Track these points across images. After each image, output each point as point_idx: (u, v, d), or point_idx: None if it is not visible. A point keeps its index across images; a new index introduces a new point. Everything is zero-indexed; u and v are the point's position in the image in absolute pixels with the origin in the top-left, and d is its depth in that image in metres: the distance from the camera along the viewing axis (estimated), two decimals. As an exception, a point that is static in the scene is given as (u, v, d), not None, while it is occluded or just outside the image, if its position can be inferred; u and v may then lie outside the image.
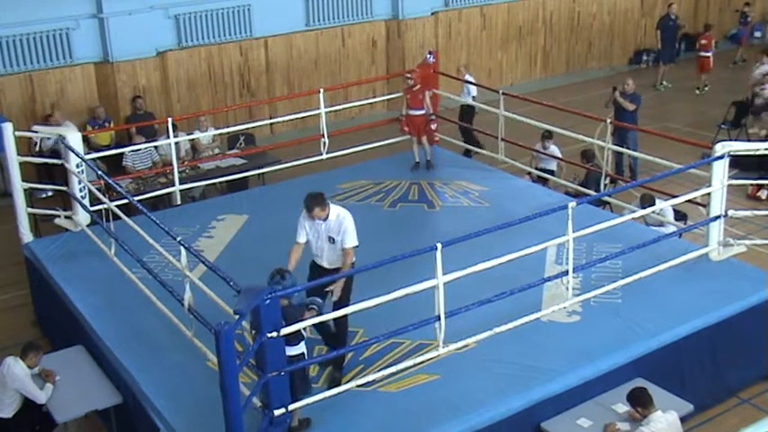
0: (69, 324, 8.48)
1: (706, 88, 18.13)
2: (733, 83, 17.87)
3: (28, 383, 7.16)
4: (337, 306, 6.75)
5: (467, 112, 13.64)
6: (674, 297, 7.95)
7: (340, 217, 7.05)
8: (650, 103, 17.37)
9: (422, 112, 11.41)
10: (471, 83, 13.73)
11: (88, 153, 10.64)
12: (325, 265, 7.12)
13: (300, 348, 6.24)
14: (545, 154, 11.94)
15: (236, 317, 5.73)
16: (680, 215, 10.06)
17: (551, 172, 11.96)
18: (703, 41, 18.05)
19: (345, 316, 6.78)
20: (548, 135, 11.78)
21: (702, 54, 18.12)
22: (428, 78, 11.63)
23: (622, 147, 11.45)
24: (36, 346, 7.41)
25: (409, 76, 11.37)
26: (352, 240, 7.04)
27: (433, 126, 11.57)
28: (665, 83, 18.49)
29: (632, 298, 7.91)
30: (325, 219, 7.02)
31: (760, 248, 9.63)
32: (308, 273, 7.18)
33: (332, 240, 7.04)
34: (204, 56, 14.91)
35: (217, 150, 12.90)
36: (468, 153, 13.26)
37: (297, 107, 14.53)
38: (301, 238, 7.14)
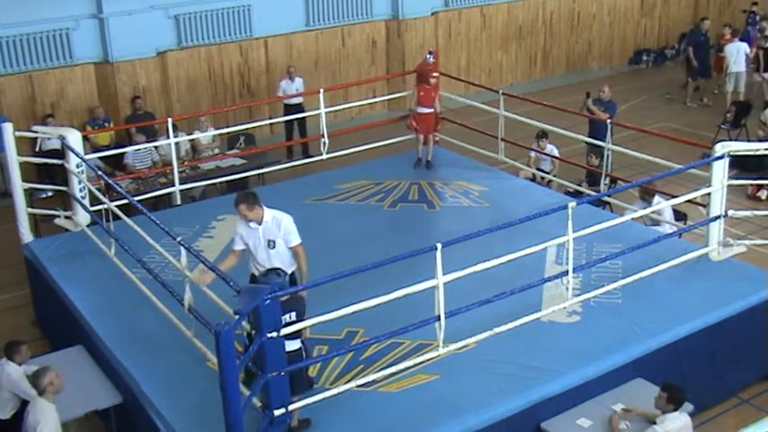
0: (69, 324, 8.47)
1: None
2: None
3: (22, 385, 7.13)
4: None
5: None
6: (674, 297, 7.95)
7: (277, 219, 6.93)
8: (650, 104, 17.40)
9: (431, 110, 11.41)
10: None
11: (88, 153, 10.64)
12: None
13: (297, 344, 6.25)
14: (544, 154, 11.95)
15: (236, 317, 5.74)
16: (680, 215, 10.06)
17: (546, 172, 11.97)
18: (725, 39, 17.39)
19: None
20: (542, 135, 11.79)
21: (721, 54, 17.50)
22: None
23: (597, 148, 11.11)
24: (19, 342, 7.31)
25: (436, 74, 11.34)
26: (296, 238, 6.93)
27: (440, 126, 11.57)
28: (704, 99, 17.35)
29: (632, 298, 7.91)
30: (260, 222, 6.91)
31: (760, 248, 9.64)
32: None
33: (271, 244, 6.90)
34: (204, 56, 14.92)
35: (217, 150, 12.90)
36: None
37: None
38: (237, 246, 7.02)
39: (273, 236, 6.92)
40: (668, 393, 6.47)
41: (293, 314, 6.11)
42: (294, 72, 14.38)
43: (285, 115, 14.01)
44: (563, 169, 12.03)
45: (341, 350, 7.01)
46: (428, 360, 6.98)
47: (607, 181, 10.53)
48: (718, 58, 17.91)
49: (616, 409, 6.76)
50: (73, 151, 9.41)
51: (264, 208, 6.98)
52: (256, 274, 7.03)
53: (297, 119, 13.89)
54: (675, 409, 6.43)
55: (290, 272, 7.00)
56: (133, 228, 7.93)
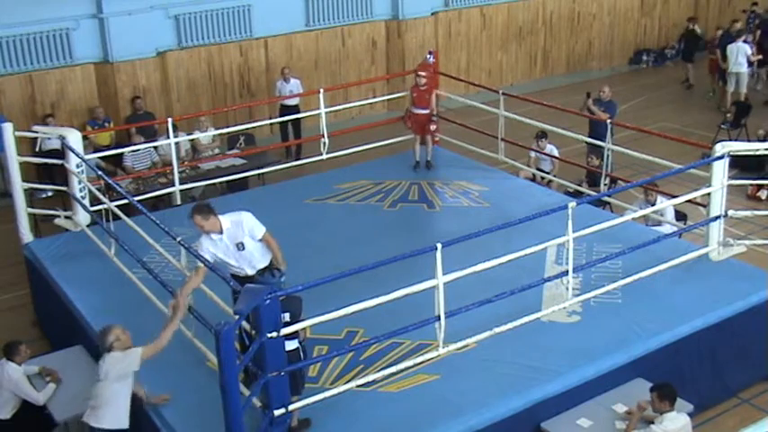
0: (69, 324, 8.47)
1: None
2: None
3: (23, 385, 7.13)
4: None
5: None
6: (674, 297, 7.95)
7: (236, 221, 6.73)
8: (648, 104, 17.40)
9: (426, 111, 11.41)
10: None
11: (88, 153, 10.64)
12: (251, 272, 6.79)
13: (294, 344, 6.24)
14: (544, 154, 11.95)
15: (236, 317, 5.74)
16: (680, 215, 10.06)
17: (546, 172, 11.96)
18: (716, 42, 17.29)
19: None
20: (542, 135, 11.79)
21: (713, 56, 17.43)
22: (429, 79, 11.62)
23: (598, 149, 10.95)
24: (18, 342, 7.31)
25: (423, 74, 11.34)
26: (260, 229, 6.74)
27: (433, 127, 11.57)
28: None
29: (632, 298, 7.91)
30: (221, 231, 6.70)
31: (760, 248, 9.65)
32: (233, 294, 6.54)
33: (240, 246, 6.72)
34: (204, 56, 14.91)
35: (217, 150, 12.90)
36: None
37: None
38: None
39: (239, 238, 6.72)
40: (657, 392, 6.47)
41: (287, 315, 6.09)
42: (289, 73, 14.37)
43: (280, 116, 14.00)
44: (563, 169, 12.03)
45: (341, 350, 7.01)
46: (428, 360, 6.97)
47: (607, 181, 10.52)
48: (711, 60, 17.85)
49: (618, 411, 6.77)
50: (73, 151, 9.41)
51: (219, 216, 6.73)
52: (240, 275, 6.86)
53: (291, 120, 13.85)
54: (671, 406, 6.42)
55: (267, 263, 6.86)
56: (133, 228, 7.93)
